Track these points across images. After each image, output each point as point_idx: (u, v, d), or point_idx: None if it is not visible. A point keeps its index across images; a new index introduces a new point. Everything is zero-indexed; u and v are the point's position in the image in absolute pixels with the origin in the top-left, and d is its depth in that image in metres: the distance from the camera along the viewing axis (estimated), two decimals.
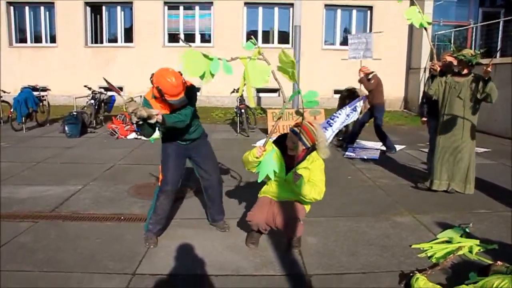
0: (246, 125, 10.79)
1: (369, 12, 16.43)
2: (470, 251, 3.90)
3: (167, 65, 4.06)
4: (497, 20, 13.39)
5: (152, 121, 3.65)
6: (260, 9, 16.30)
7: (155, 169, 7.00)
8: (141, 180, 6.38)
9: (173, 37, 16.23)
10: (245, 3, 16.02)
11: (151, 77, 3.78)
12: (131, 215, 4.88)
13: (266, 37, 16.65)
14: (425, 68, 15.04)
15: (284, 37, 16.59)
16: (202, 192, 4.74)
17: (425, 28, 5.28)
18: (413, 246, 4.08)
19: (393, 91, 16.40)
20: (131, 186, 6.04)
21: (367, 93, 8.93)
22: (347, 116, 7.87)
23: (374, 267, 3.68)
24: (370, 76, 8.79)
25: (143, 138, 9.89)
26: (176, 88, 3.67)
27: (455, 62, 5.78)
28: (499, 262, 3.40)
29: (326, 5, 16.16)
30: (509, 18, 12.50)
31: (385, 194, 5.90)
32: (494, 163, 8.03)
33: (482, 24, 14.82)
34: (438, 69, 5.68)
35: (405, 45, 16.49)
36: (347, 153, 8.58)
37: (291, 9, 15.89)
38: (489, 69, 5.26)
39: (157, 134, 4.11)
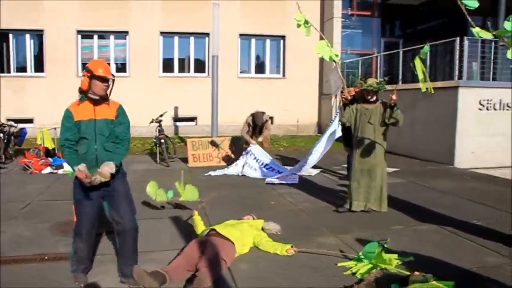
0: (165, 155, 10.72)
1: (282, 41, 17.17)
2: (390, 265, 4.22)
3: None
4: (396, 50, 14.59)
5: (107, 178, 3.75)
6: (176, 38, 16.45)
7: None
8: (63, 217, 6.00)
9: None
10: (161, 32, 16.08)
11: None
12: (56, 254, 4.65)
13: (182, 66, 16.79)
14: (336, 95, 15.92)
15: (200, 66, 16.82)
16: None
17: (335, 61, 5.73)
18: (338, 265, 4.33)
19: (307, 116, 17.21)
20: (53, 223, 5.76)
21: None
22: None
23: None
24: None
25: (59, 172, 9.52)
26: (104, 65, 3.83)
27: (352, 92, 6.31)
28: (416, 272, 3.75)
29: (240, 35, 16.66)
30: (407, 48, 13.73)
31: (308, 217, 6.16)
32: (404, 181, 8.68)
33: (384, 53, 16.07)
34: (349, 98, 6.16)
35: (317, 72, 17.39)
36: (268, 179, 8.82)
37: (206, 38, 16.21)
38: (394, 96, 5.80)
39: None
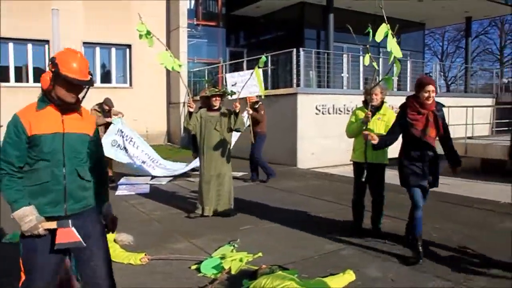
0: None
1: (128, 50, 16.82)
2: (241, 262, 4.46)
3: None
4: (241, 60, 15.32)
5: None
6: (11, 44, 15.09)
7: None
8: None
9: None
10: None
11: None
12: None
13: (19, 74, 15.47)
14: (184, 103, 16.14)
15: (40, 75, 15.64)
16: None
17: (178, 71, 5.86)
18: (192, 268, 4.45)
19: (156, 126, 17.11)
20: None
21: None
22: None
23: None
24: (257, 106, 8.92)
25: None
26: (80, 60, 2.69)
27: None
28: (263, 266, 4.05)
29: (84, 43, 15.92)
30: (251, 58, 14.51)
31: (160, 225, 6.18)
32: (252, 184, 9.15)
33: (230, 62, 16.73)
34: (194, 106, 6.30)
35: (164, 81, 17.40)
36: (118, 191, 8.60)
37: (46, 45, 15.18)
38: (237, 103, 6.16)
39: None
